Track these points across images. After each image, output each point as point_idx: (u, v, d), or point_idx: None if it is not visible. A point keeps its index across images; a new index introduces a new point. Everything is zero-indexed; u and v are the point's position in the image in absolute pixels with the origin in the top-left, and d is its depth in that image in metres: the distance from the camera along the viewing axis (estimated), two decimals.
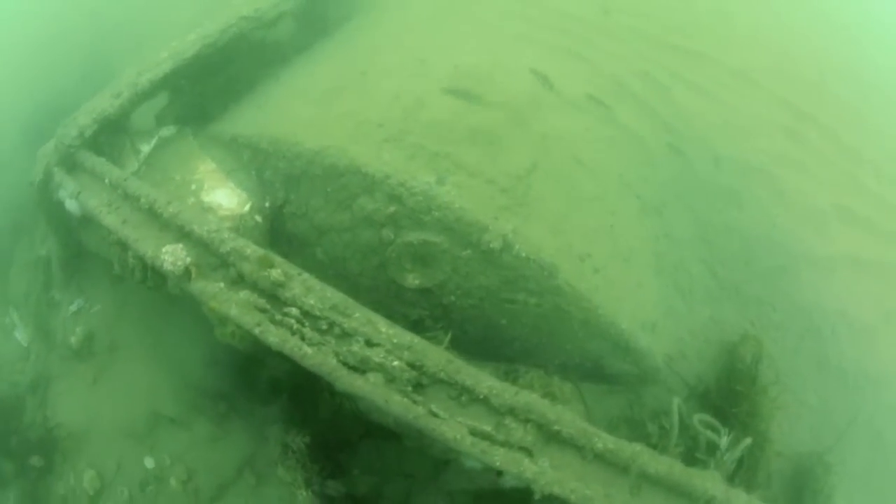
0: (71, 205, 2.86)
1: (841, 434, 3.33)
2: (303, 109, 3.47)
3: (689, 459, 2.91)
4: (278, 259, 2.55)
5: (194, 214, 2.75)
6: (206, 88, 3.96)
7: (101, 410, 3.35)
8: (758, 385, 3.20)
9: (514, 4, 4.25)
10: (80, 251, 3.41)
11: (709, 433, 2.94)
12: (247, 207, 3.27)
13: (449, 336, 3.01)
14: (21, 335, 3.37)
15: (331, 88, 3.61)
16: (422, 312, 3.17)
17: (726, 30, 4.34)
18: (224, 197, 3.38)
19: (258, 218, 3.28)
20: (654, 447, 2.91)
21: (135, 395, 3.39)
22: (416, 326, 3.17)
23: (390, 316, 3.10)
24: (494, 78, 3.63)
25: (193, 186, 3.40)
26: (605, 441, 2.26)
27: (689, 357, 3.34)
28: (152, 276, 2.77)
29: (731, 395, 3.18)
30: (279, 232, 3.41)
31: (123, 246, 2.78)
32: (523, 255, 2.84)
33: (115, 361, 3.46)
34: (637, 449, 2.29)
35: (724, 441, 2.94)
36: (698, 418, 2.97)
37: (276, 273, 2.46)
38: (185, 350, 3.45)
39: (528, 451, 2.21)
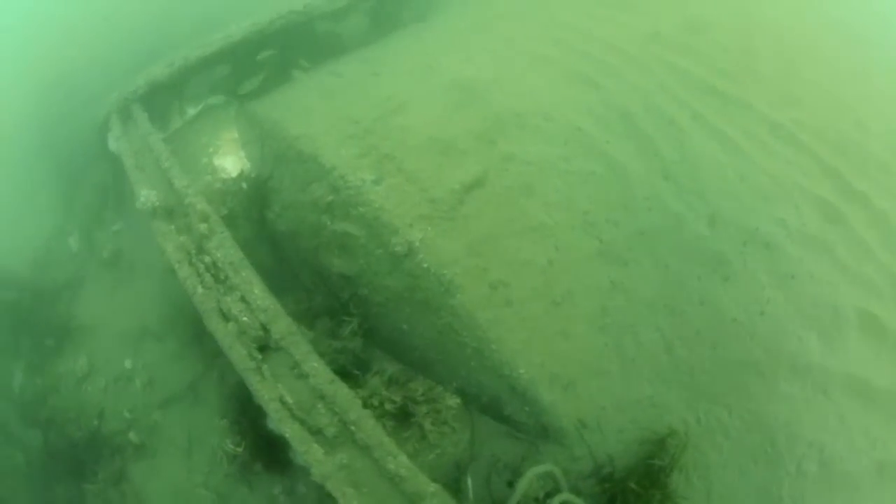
0: (112, 145, 4.04)
1: None
2: (308, 99, 4.27)
3: None
4: (213, 217, 3.36)
5: (179, 171, 3.70)
6: (261, 68, 5.03)
7: (110, 314, 4.56)
8: (664, 493, 3.04)
9: (555, 29, 4.52)
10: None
11: None
12: (235, 174, 4.19)
13: (355, 322, 3.59)
14: (73, 242, 4.76)
15: (342, 84, 4.37)
16: (347, 296, 3.75)
17: (785, 82, 4.01)
18: (230, 162, 4.35)
19: (244, 185, 4.17)
20: None
21: (136, 307, 4.54)
22: (346, 307, 3.77)
23: (328, 292, 3.83)
24: (487, 93, 4.02)
25: (211, 149, 4.44)
26: (399, 465, 2.51)
27: (607, 433, 3.26)
28: None
29: (628, 493, 3.12)
30: (265, 201, 4.26)
31: (132, 183, 3.86)
32: (424, 265, 3.23)
33: (131, 279, 4.67)
34: (431, 489, 2.48)
35: None
36: (561, 499, 2.94)
37: (204, 227, 3.28)
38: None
39: (329, 441, 2.64)
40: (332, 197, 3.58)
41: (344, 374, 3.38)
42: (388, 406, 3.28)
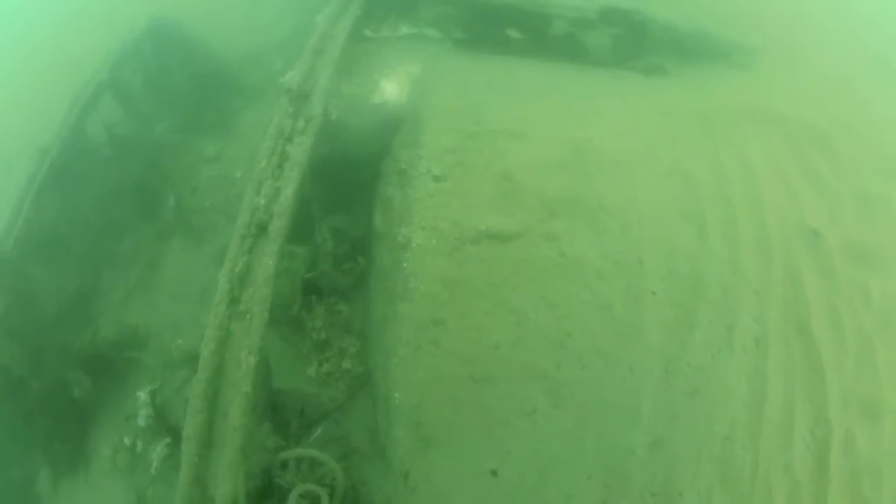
0: (318, 18, 5.43)
1: None
2: (471, 78, 5.15)
3: None
4: (315, 122, 4.55)
5: (334, 72, 4.95)
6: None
7: (255, 132, 6.27)
8: None
9: (728, 157, 4.57)
10: None
11: None
12: (384, 102, 5.32)
13: (359, 266, 4.68)
14: (279, 62, 6.49)
15: (508, 83, 5.13)
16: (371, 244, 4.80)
17: None
18: (391, 91, 5.50)
19: (381, 114, 5.30)
20: None
21: None
22: (368, 250, 4.85)
23: (369, 230, 4.92)
24: (595, 171, 4.43)
25: (388, 70, 5.62)
26: (244, 359, 3.55)
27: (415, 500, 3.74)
28: None
29: None
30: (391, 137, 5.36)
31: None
32: (404, 264, 4.09)
33: None
34: (244, 390, 3.43)
35: None
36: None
37: (302, 124, 4.53)
38: None
39: (237, 312, 3.80)
40: (406, 166, 4.54)
41: (312, 290, 4.58)
42: (314, 335, 4.39)
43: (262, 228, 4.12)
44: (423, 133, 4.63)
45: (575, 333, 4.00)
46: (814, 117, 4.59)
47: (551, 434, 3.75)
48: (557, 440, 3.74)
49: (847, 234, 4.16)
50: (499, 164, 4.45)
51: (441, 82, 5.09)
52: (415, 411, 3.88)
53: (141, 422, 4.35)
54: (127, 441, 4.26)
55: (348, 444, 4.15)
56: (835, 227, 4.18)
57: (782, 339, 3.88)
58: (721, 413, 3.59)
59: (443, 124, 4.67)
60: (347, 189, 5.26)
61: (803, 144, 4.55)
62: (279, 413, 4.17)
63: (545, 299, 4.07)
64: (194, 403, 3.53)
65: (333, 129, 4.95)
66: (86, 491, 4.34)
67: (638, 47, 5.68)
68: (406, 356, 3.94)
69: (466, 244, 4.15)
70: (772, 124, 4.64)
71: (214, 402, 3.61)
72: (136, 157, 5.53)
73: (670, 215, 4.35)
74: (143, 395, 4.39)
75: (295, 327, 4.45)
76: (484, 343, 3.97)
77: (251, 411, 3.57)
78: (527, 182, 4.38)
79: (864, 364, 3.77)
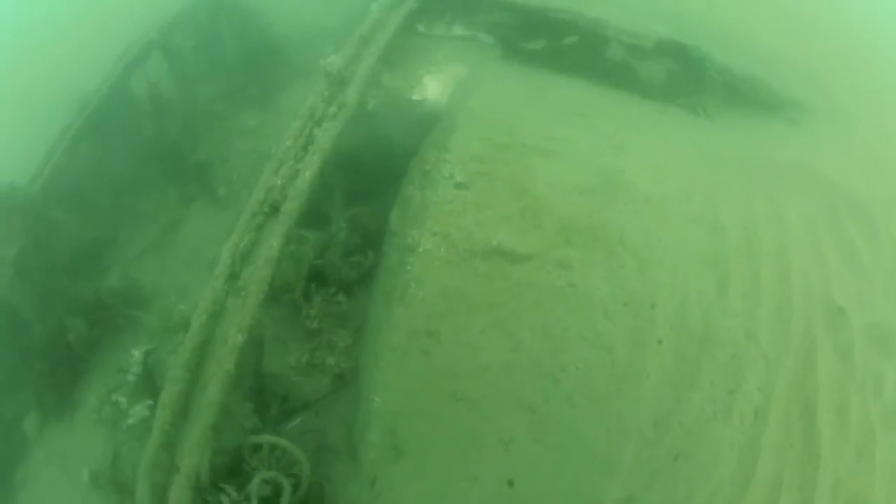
0: (372, 6, 5.40)
1: None
2: (516, 89, 5.06)
3: None
4: (346, 110, 4.55)
5: (376, 63, 4.93)
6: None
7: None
8: None
9: (762, 214, 4.39)
10: None
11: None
12: (424, 99, 5.28)
13: (367, 261, 4.65)
14: (329, 50, 6.52)
15: (549, 100, 5.03)
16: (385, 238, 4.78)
17: None
18: (431, 87, 5.46)
19: (418, 110, 5.27)
20: None
21: None
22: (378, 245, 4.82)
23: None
24: (622, 204, 4.30)
25: (434, 67, 5.59)
26: (231, 337, 3.59)
27: None
28: None
29: None
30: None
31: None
32: (409, 267, 4.04)
33: None
34: (226, 367, 3.48)
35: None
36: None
37: (334, 109, 4.53)
38: None
39: (235, 287, 3.84)
40: (430, 168, 4.50)
41: (315, 278, 4.58)
42: (307, 323, 4.40)
43: (275, 209, 4.14)
44: (453, 137, 4.58)
45: (569, 369, 3.90)
46: (857, 188, 4.37)
47: (524, 468, 3.67)
48: (529, 476, 3.65)
49: (872, 316, 3.95)
50: (523, 181, 4.36)
51: (482, 89, 5.03)
52: (392, 418, 3.84)
53: (130, 379, 4.44)
54: (113, 396, 4.35)
55: (324, 438, 4.15)
56: (860, 307, 3.97)
57: (784, 415, 3.70)
58: (704, 482, 3.44)
59: (475, 131, 4.61)
60: (373, 181, 5.24)
61: (843, 214, 4.33)
62: (262, 395, 4.20)
63: (545, 329, 3.97)
64: (175, 373, 3.58)
65: (368, 119, 4.95)
66: (69, 439, 4.46)
67: (691, 85, 5.49)
68: (393, 361, 3.91)
69: (475, 257, 4.09)
70: (813, 187, 4.44)
71: (196, 374, 3.65)
72: (175, 119, 5.63)
73: (692, 263, 4.20)
74: (136, 354, 4.47)
75: (291, 312, 4.46)
76: (474, 363, 3.90)
77: (230, 389, 3.59)
78: (549, 203, 4.28)
79: (863, 457, 3.57)
